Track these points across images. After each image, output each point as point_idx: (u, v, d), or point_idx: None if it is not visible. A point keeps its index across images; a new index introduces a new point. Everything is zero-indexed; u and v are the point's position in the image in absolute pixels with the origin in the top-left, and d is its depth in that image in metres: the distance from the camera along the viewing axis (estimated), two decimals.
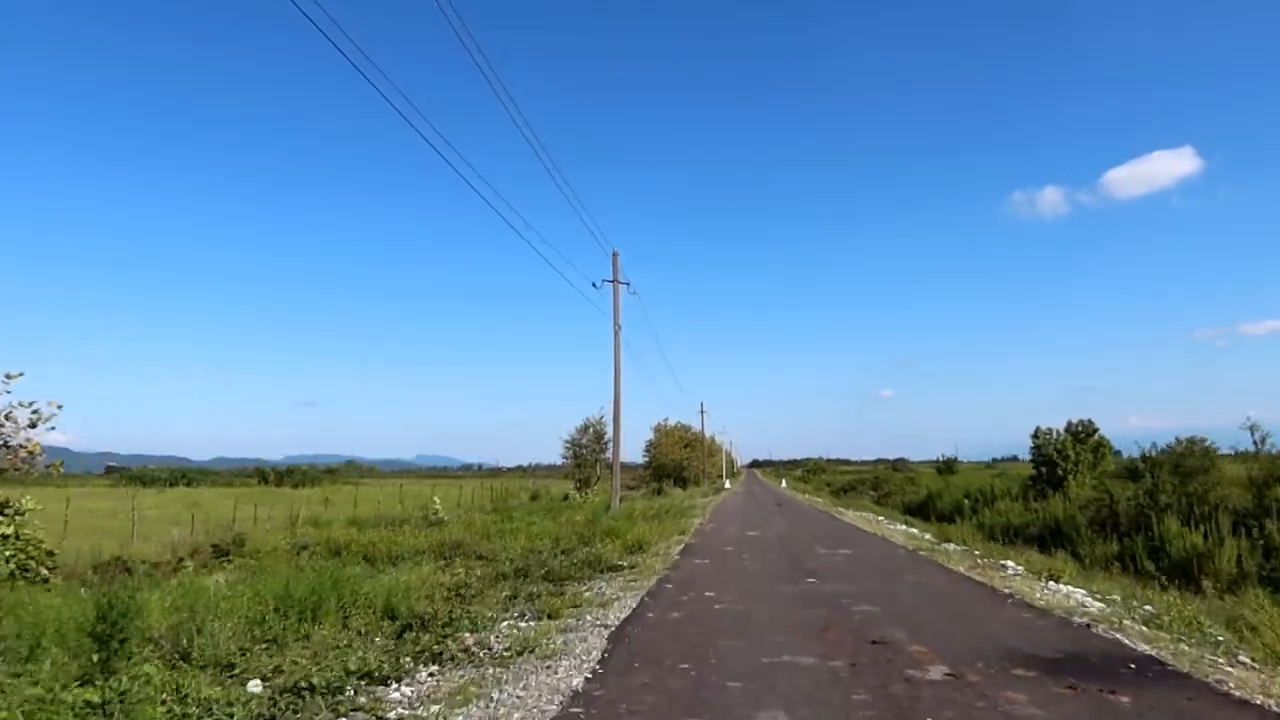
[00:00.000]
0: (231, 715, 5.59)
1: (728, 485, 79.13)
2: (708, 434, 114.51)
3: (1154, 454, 27.67)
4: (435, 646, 7.85)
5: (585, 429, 48.54)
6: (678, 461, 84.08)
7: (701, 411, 78.94)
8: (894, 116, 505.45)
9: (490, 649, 7.84)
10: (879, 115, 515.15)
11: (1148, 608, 10.47)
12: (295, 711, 5.83)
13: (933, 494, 41.63)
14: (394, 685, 6.69)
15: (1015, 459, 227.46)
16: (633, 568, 14.88)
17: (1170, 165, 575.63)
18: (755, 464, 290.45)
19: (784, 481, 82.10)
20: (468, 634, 8.42)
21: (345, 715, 5.85)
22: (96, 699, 5.30)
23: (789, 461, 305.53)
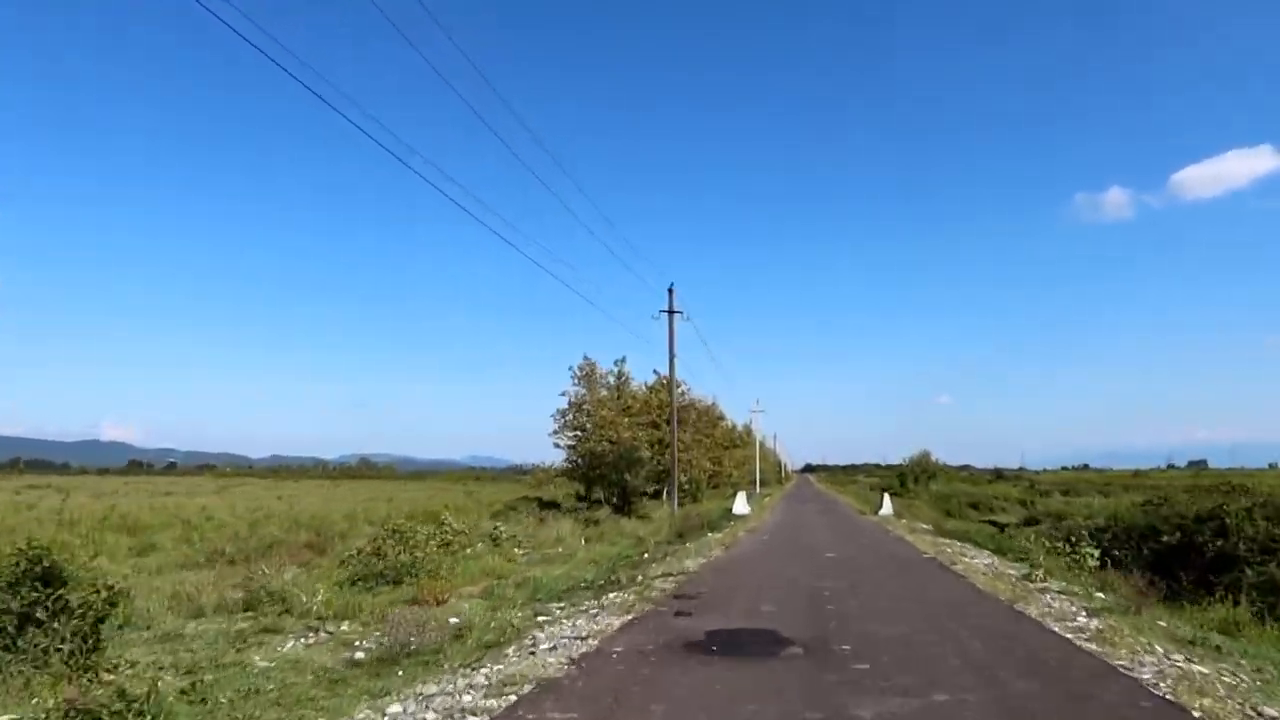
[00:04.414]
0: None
1: (741, 510, 27.59)
2: (727, 414, 62.53)
3: None
4: None
5: None
6: (629, 447, 33.52)
7: (670, 327, 27.33)
8: (957, 116, 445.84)
9: None
10: (941, 116, 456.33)
11: None
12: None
13: None
14: None
15: (1086, 467, 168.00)
16: None
17: (1246, 164, 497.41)
18: (809, 469, 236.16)
19: (886, 500, 29.22)
20: None
21: None
22: None
23: (846, 467, 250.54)
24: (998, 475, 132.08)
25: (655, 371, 48.06)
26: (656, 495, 45.79)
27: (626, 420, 35.19)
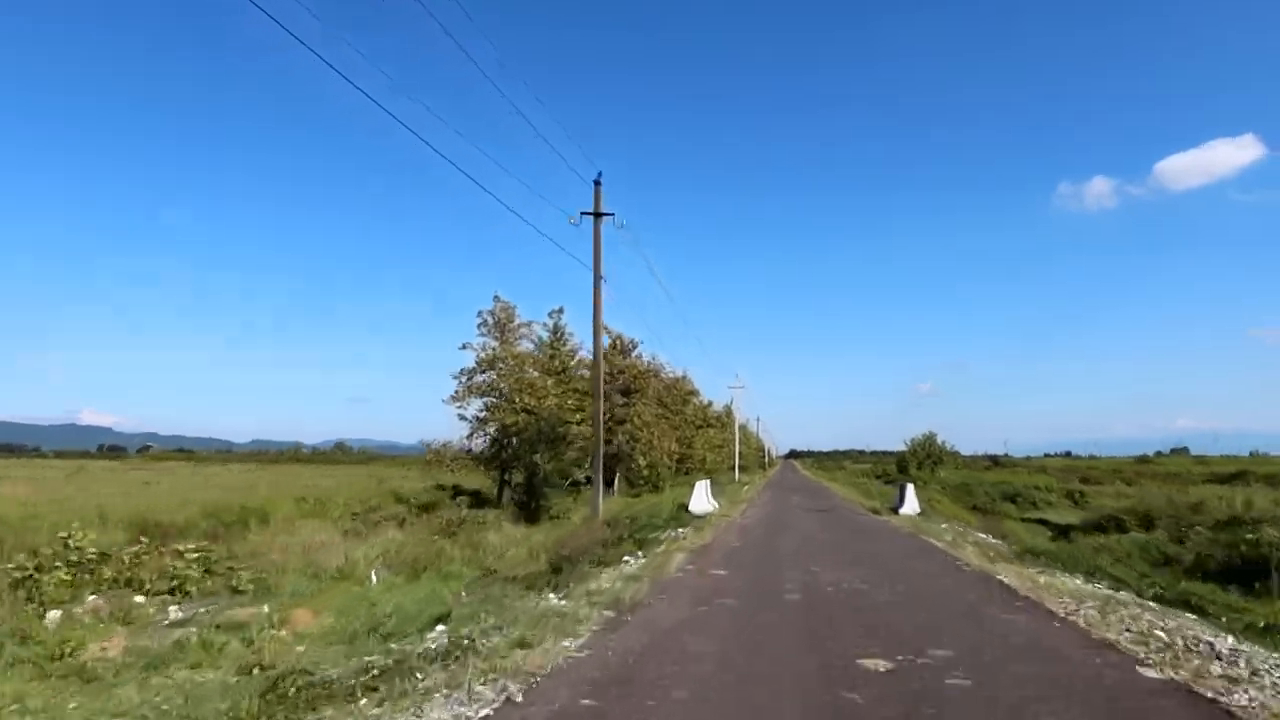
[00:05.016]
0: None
1: (701, 506, 17.72)
2: (703, 392, 51.63)
3: None
4: None
5: None
6: (553, 418, 23.58)
7: (595, 235, 17.31)
8: (944, 109, 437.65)
9: None
10: (928, 110, 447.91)
11: None
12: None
13: None
14: None
15: (1070, 454, 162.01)
16: None
17: (1230, 154, 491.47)
18: (794, 455, 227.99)
19: (910, 495, 19.92)
20: None
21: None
22: None
23: (831, 453, 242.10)
24: (994, 462, 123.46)
25: (606, 328, 38.56)
26: (609, 483, 36.38)
27: (552, 383, 25.61)
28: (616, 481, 36.05)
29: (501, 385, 25.71)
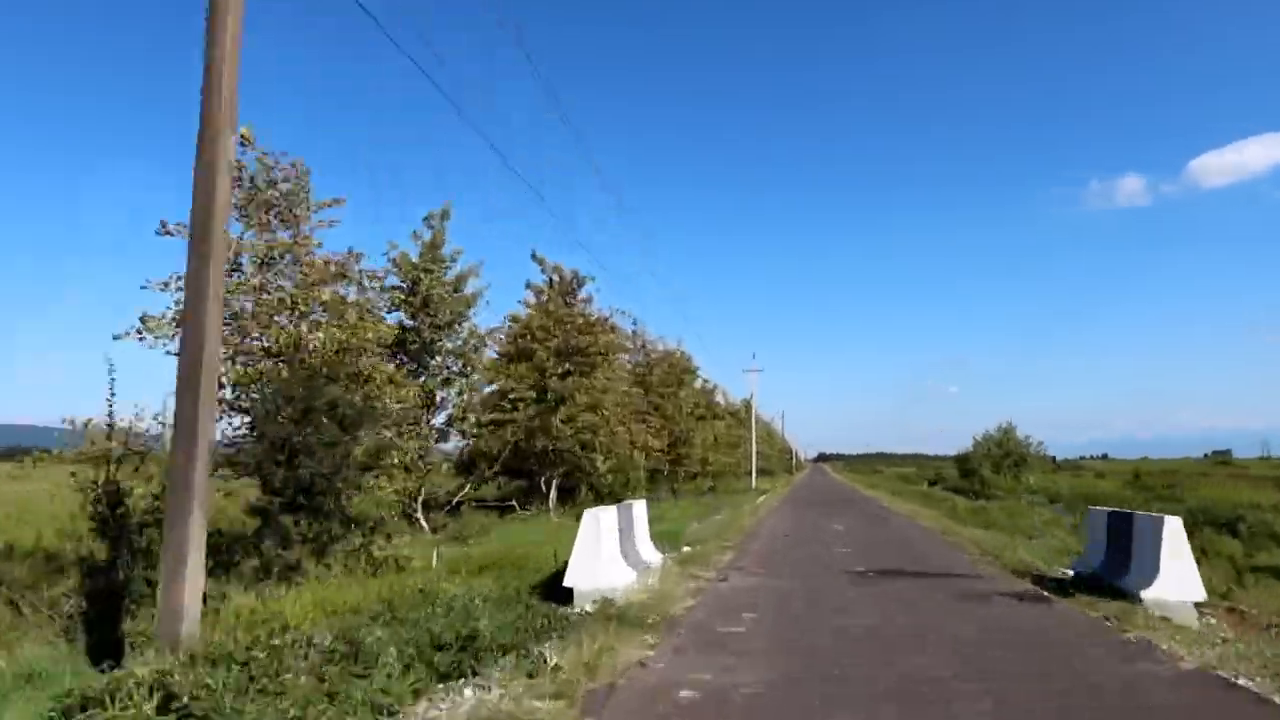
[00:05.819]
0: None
1: (595, 577, 5.19)
2: (706, 375, 37.33)
3: None
4: None
5: None
6: (325, 372, 9.33)
7: None
8: (973, 104, 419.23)
9: None
10: (958, 105, 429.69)
11: None
12: None
13: None
14: None
15: (1106, 456, 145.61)
16: None
17: (1266, 152, 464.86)
18: (823, 457, 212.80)
19: (1176, 548, 7.50)
20: None
21: None
22: None
23: (859, 456, 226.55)
24: (1055, 465, 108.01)
25: (537, 258, 24.89)
26: (566, 493, 23.54)
27: (331, 295, 12.65)
28: (553, 494, 22.91)
29: (267, 316, 12.79)
